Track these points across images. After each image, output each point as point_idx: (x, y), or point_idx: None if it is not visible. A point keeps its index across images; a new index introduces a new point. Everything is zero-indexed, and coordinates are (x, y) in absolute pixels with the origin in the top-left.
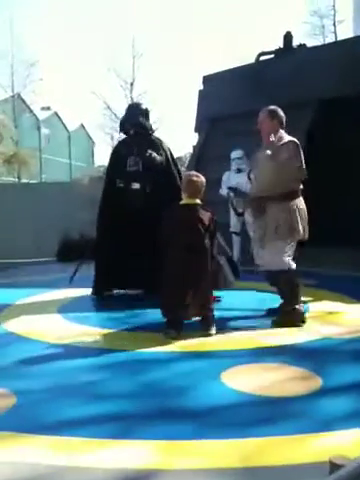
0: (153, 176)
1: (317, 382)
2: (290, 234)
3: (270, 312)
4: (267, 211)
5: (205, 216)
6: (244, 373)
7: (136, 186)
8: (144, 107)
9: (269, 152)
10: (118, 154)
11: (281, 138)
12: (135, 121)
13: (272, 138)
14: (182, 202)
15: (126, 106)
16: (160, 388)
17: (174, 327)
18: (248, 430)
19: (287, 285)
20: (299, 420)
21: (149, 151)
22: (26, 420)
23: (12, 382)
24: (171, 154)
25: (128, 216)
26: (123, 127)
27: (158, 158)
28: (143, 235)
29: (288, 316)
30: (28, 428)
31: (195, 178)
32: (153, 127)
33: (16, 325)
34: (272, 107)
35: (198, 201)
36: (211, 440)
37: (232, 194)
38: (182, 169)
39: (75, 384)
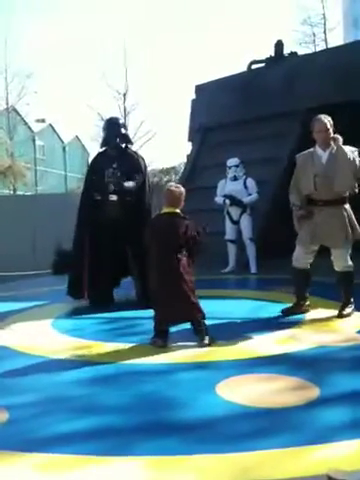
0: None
1: (313, 392)
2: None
3: (284, 312)
4: (337, 212)
5: (182, 223)
6: (239, 384)
7: (113, 198)
8: (122, 121)
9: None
10: (97, 166)
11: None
12: (118, 133)
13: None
14: (162, 211)
15: (104, 122)
16: (153, 401)
17: (161, 336)
18: (244, 443)
19: (351, 285)
20: (296, 432)
21: (125, 184)
22: (16, 437)
23: (4, 397)
24: (145, 166)
25: (105, 227)
26: (107, 141)
27: (131, 185)
28: (121, 245)
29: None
30: (18, 446)
31: (174, 188)
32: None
33: (10, 339)
34: (327, 117)
35: (177, 210)
36: (205, 455)
37: (228, 201)
38: (176, 178)
39: (67, 398)
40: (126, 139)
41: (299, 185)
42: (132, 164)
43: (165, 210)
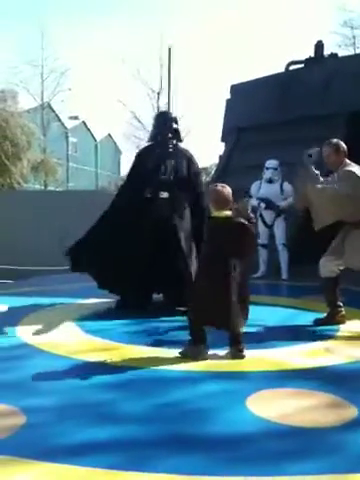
0: (181, 186)
1: (351, 411)
2: None
3: (317, 322)
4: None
5: (236, 227)
6: (271, 399)
7: (165, 195)
8: (173, 115)
9: None
10: (147, 162)
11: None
12: (170, 128)
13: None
14: (213, 214)
15: (155, 115)
16: (177, 412)
17: (200, 345)
18: (274, 466)
19: None
20: (333, 456)
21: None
22: (31, 444)
23: (23, 400)
24: (197, 165)
25: (155, 225)
26: (157, 135)
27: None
28: (169, 244)
29: None
30: (32, 453)
31: (221, 188)
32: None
33: (32, 336)
34: (335, 141)
35: (227, 213)
36: (230, 477)
37: (263, 205)
38: (207, 179)
39: (87, 404)
40: (177, 135)
41: None
42: (186, 163)
43: (217, 214)
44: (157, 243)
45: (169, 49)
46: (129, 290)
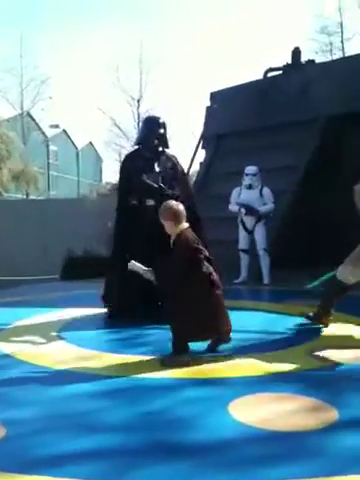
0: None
1: (332, 414)
2: None
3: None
4: None
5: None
6: (253, 404)
7: (151, 203)
8: (162, 120)
9: None
10: (133, 169)
11: None
12: (158, 134)
13: None
14: (185, 227)
15: (143, 119)
16: (159, 420)
17: (186, 352)
18: (255, 472)
19: None
20: (313, 459)
21: (177, 195)
22: (12, 456)
23: (3, 411)
24: (183, 171)
25: (144, 233)
26: (144, 140)
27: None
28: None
29: None
30: (14, 466)
31: (176, 207)
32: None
33: (13, 347)
34: None
35: (186, 225)
36: None
37: (243, 210)
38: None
39: (69, 414)
40: (164, 141)
41: None
42: (173, 169)
43: (182, 226)
44: (148, 251)
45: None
46: (119, 299)
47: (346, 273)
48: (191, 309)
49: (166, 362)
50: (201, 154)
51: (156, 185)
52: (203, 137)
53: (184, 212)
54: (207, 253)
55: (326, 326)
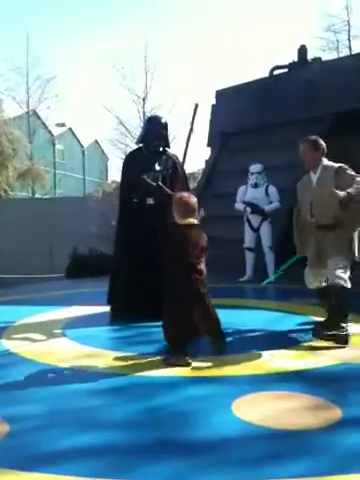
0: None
1: (336, 413)
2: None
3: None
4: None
5: (202, 235)
6: (256, 402)
7: (150, 201)
8: (164, 121)
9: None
10: (134, 167)
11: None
12: (158, 134)
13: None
14: (180, 222)
15: (146, 119)
16: (162, 418)
17: (182, 352)
18: (258, 470)
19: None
20: (316, 458)
21: (165, 189)
22: (15, 453)
23: (7, 408)
24: (184, 172)
25: (145, 232)
26: (145, 139)
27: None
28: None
29: None
30: (16, 463)
31: (188, 197)
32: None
33: (18, 344)
34: (313, 138)
35: (195, 221)
36: None
37: (249, 209)
38: (194, 184)
39: (71, 411)
40: (166, 141)
41: (301, 214)
42: (172, 168)
43: (183, 221)
44: (148, 250)
45: (196, 105)
46: (122, 298)
47: (309, 279)
48: (174, 310)
49: (166, 362)
50: (207, 151)
51: (155, 184)
52: (191, 131)
53: (190, 207)
54: (194, 260)
55: None
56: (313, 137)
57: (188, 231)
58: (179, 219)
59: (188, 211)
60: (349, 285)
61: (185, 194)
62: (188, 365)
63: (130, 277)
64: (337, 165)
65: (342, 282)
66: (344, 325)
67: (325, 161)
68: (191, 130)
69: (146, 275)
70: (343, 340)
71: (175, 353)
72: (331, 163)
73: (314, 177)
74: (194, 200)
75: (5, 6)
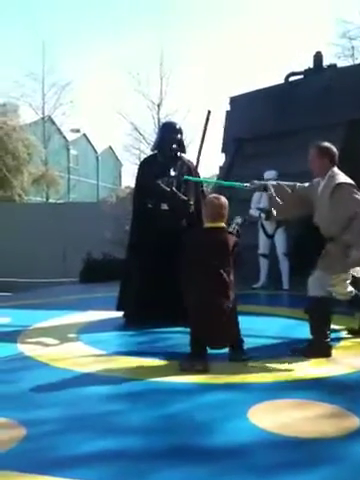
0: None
1: (353, 422)
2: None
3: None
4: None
5: (231, 240)
6: (273, 410)
7: (165, 207)
8: (178, 126)
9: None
10: (149, 173)
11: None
12: (174, 139)
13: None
14: (206, 226)
15: (160, 125)
16: (178, 424)
17: (200, 358)
18: (273, 478)
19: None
20: (332, 467)
21: (187, 200)
22: (31, 457)
23: (23, 412)
24: (199, 177)
25: (159, 237)
26: (161, 145)
27: (190, 204)
28: (172, 258)
29: None
30: (31, 467)
31: (217, 200)
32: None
33: (33, 348)
34: (322, 144)
35: (222, 224)
36: None
37: (263, 215)
38: (208, 190)
39: (87, 416)
40: (182, 146)
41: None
42: (188, 174)
43: (210, 225)
44: (162, 255)
45: (208, 112)
46: (134, 304)
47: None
48: (193, 314)
49: (183, 367)
50: (221, 157)
51: (169, 189)
52: (204, 138)
53: (220, 210)
54: (216, 264)
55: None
56: (323, 143)
57: (213, 235)
58: (207, 221)
59: (217, 214)
60: (326, 294)
61: (218, 197)
62: (204, 371)
63: (142, 282)
64: (338, 181)
65: (318, 293)
66: (324, 338)
67: (334, 171)
68: (204, 137)
69: (159, 280)
70: (322, 353)
71: (192, 358)
72: (338, 176)
73: (321, 185)
74: (225, 204)
75: (22, 14)
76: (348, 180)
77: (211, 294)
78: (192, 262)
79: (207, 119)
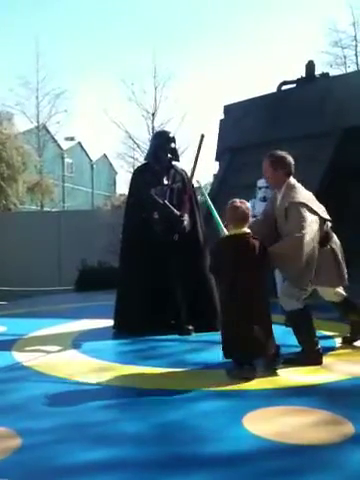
0: (176, 206)
1: (348, 428)
2: None
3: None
4: None
5: (256, 245)
6: (268, 417)
7: (156, 216)
8: (172, 135)
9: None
10: (142, 182)
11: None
12: (168, 148)
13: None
14: (230, 233)
15: (153, 134)
16: (174, 432)
17: (249, 366)
18: None
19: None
20: (328, 473)
21: (185, 222)
22: (26, 467)
23: (19, 422)
24: (192, 187)
25: (150, 247)
26: (155, 154)
27: (187, 226)
28: (166, 266)
29: None
30: (26, 477)
31: (239, 204)
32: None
33: (28, 357)
34: (276, 154)
35: (246, 230)
36: None
37: None
38: (201, 199)
39: (83, 425)
40: (175, 155)
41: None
42: (181, 183)
43: (233, 231)
44: (157, 262)
45: (202, 136)
46: (128, 311)
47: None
48: (222, 321)
49: (230, 375)
50: (215, 166)
51: (161, 201)
52: (196, 161)
53: (240, 213)
54: (239, 272)
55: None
56: (276, 153)
57: (235, 242)
58: (231, 228)
59: (239, 219)
60: (301, 306)
61: (236, 200)
62: (251, 379)
63: (137, 291)
64: (291, 200)
65: (294, 306)
66: (314, 346)
67: (290, 183)
68: (196, 160)
69: (153, 289)
70: (314, 361)
71: (236, 365)
72: (292, 192)
73: (278, 198)
74: (245, 206)
75: (16, 23)
76: (301, 196)
77: (234, 302)
78: (215, 273)
79: (200, 143)
